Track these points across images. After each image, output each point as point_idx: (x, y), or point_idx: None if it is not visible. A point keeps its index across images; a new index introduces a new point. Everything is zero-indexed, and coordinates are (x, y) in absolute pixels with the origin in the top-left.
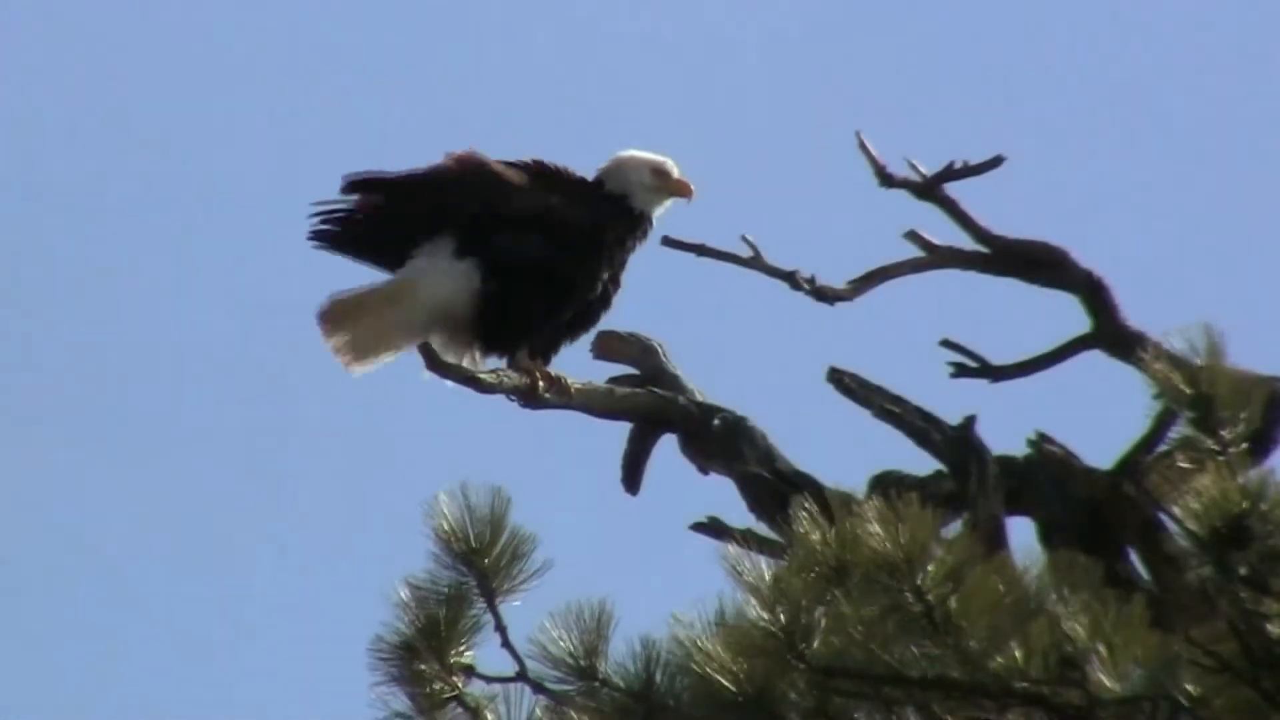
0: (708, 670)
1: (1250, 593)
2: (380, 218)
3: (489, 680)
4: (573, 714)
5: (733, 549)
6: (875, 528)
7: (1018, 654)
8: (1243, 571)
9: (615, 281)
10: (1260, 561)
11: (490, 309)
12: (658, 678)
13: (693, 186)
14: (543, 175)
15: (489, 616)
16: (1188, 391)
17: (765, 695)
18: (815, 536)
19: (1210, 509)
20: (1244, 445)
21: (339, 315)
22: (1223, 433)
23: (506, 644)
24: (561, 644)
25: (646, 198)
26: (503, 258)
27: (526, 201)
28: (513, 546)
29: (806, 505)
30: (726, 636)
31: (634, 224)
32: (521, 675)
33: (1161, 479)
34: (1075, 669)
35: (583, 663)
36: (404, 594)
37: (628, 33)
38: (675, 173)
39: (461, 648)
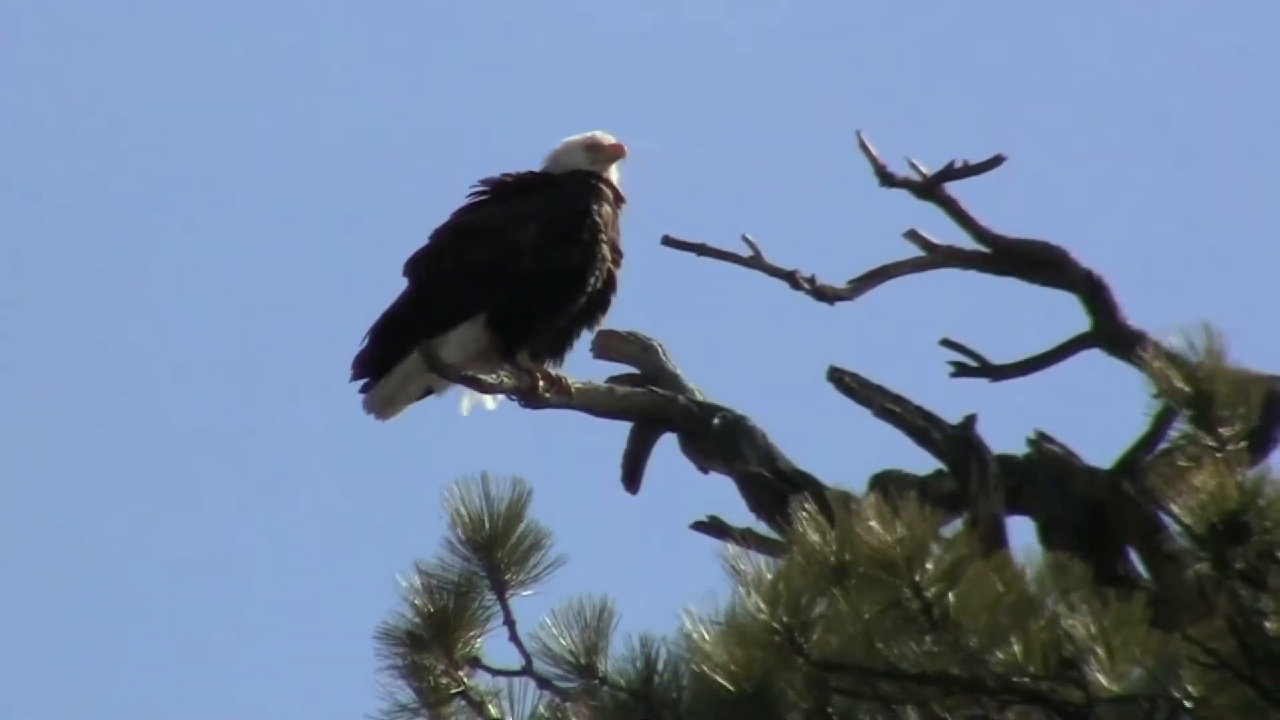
0: (706, 669)
1: (1248, 589)
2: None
3: (495, 673)
4: (572, 713)
5: (731, 548)
6: (873, 525)
7: (1017, 650)
8: (1240, 567)
9: (617, 251)
10: (1258, 558)
11: (500, 319)
12: (657, 676)
13: (624, 145)
14: (503, 190)
15: (498, 608)
16: (1186, 389)
17: (764, 693)
18: (814, 537)
19: (1208, 505)
20: (1243, 443)
21: (380, 404)
22: (1221, 430)
23: (514, 638)
24: (562, 641)
25: (594, 170)
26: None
27: (520, 237)
28: (529, 539)
29: (806, 505)
30: (726, 633)
31: (601, 189)
32: (528, 670)
33: (1161, 476)
34: (1074, 668)
35: (583, 660)
36: (413, 580)
37: (627, 31)
38: (606, 140)
39: (469, 637)
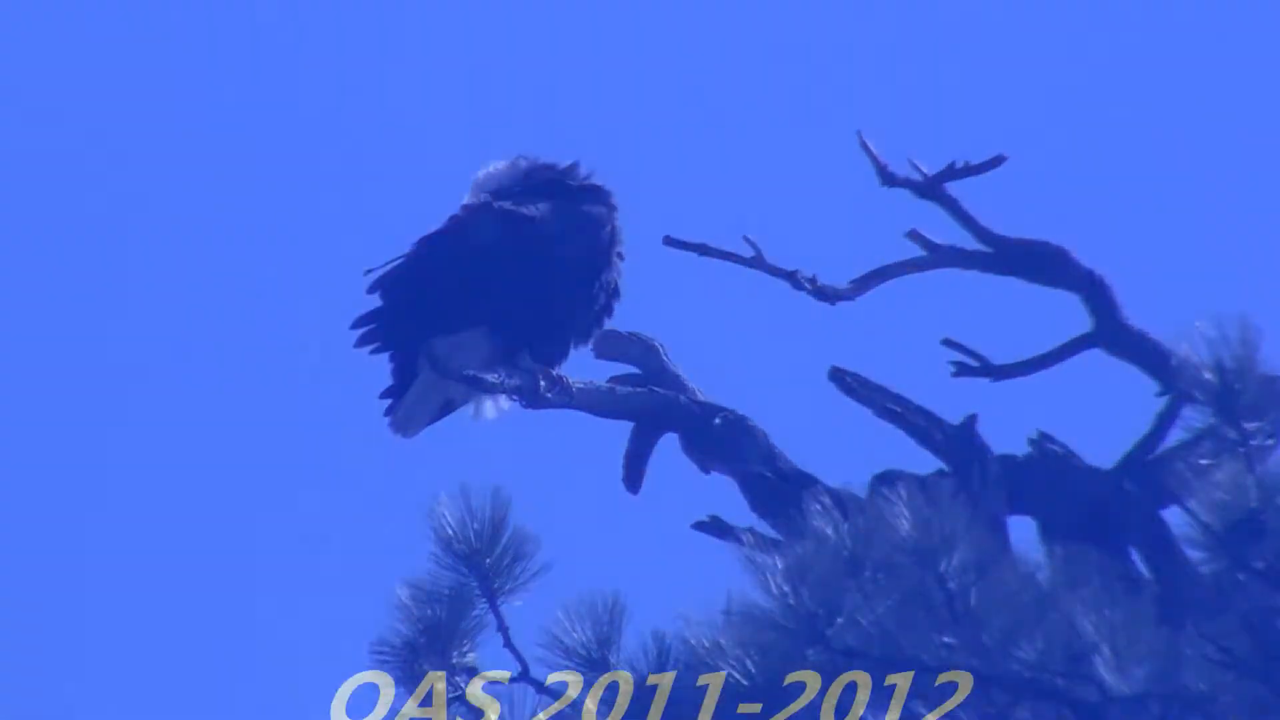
0: (718, 663)
1: (1263, 586)
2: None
3: (491, 680)
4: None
5: (749, 539)
6: (905, 510)
7: (1037, 645)
8: (1258, 566)
9: (620, 256)
10: (1275, 556)
11: (513, 323)
12: (670, 669)
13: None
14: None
15: (490, 617)
16: (1213, 380)
17: (776, 685)
18: (830, 530)
19: (1228, 503)
20: (1268, 440)
21: (404, 422)
22: (1246, 425)
23: (509, 644)
24: (574, 634)
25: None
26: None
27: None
28: (514, 547)
29: (821, 498)
30: (741, 623)
31: (607, 193)
32: (524, 675)
33: (1180, 472)
34: (1086, 664)
35: (595, 654)
36: (404, 595)
37: (627, 29)
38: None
39: (464, 648)
